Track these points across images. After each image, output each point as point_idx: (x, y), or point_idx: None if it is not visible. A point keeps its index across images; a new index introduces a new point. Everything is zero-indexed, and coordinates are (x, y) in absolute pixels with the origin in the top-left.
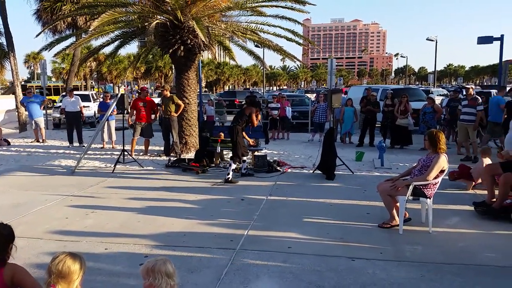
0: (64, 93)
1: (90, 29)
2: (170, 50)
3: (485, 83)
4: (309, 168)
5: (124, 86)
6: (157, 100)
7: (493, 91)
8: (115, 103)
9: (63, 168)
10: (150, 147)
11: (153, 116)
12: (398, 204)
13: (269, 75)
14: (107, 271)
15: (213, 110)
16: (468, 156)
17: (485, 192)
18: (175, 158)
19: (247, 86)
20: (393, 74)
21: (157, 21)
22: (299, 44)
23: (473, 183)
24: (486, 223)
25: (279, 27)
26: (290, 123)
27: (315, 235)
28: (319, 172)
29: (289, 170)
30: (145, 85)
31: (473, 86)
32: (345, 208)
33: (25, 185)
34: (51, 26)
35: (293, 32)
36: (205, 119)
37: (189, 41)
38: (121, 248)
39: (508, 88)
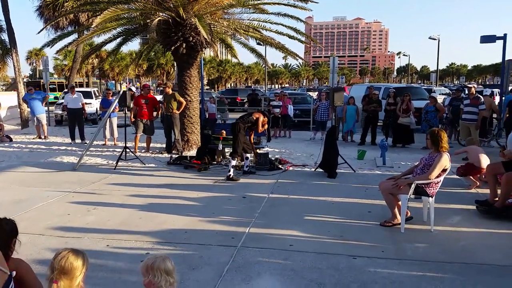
0: (66, 90)
1: (92, 26)
2: (172, 48)
3: (487, 82)
4: (310, 166)
5: (126, 83)
6: (159, 97)
7: (496, 90)
8: (117, 100)
9: (65, 165)
10: (152, 144)
11: (154, 114)
12: (399, 202)
13: (271, 73)
14: (108, 267)
15: (215, 107)
16: None
17: (488, 191)
18: (177, 156)
19: (249, 84)
20: (395, 73)
21: (159, 18)
22: (301, 42)
23: (477, 182)
24: (488, 222)
25: (282, 24)
26: (292, 121)
27: (317, 233)
28: (321, 170)
29: (290, 168)
30: (147, 82)
31: (475, 85)
32: (346, 206)
33: (27, 181)
34: (53, 23)
35: (295, 30)
36: (207, 116)
37: (191, 39)
38: (122, 244)
39: (510, 88)
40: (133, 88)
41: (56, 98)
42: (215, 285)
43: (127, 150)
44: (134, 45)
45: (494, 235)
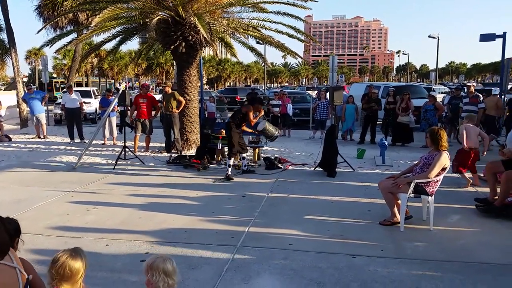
0: (64, 89)
1: (91, 25)
2: (172, 47)
3: (487, 81)
4: (310, 166)
5: (125, 82)
6: (158, 96)
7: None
8: (116, 99)
9: (64, 164)
10: (151, 144)
11: (153, 113)
12: (399, 201)
13: (270, 72)
14: (108, 267)
15: (214, 106)
16: None
17: (487, 190)
18: (176, 155)
19: (248, 83)
20: (394, 72)
21: (159, 17)
22: (301, 40)
23: (470, 181)
24: (487, 221)
25: (281, 23)
26: (291, 120)
27: (316, 232)
28: (320, 169)
29: (290, 167)
30: (146, 82)
31: (475, 84)
32: (346, 205)
33: (26, 181)
34: (52, 22)
35: (295, 28)
36: (206, 116)
37: (190, 38)
38: (122, 244)
39: (509, 87)
40: (120, 86)
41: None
42: (215, 285)
43: (127, 149)
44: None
45: (494, 234)
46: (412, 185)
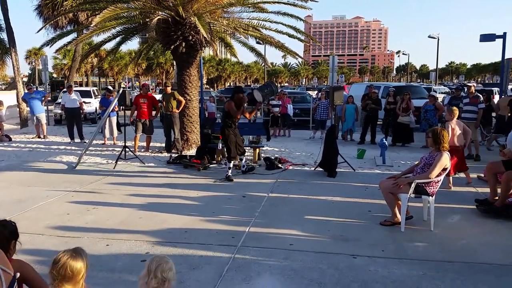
0: (64, 89)
1: (91, 25)
2: (172, 47)
3: (486, 81)
4: (310, 166)
5: (125, 82)
6: (158, 96)
7: (495, 89)
8: (116, 99)
9: (65, 164)
10: (151, 144)
11: (153, 113)
12: (400, 202)
13: (270, 72)
14: (108, 267)
15: (214, 106)
16: (469, 154)
17: (487, 190)
18: (177, 155)
19: (248, 83)
20: (394, 72)
21: (159, 17)
22: (301, 40)
23: (450, 186)
24: (488, 221)
25: (281, 23)
26: (292, 120)
27: (317, 232)
28: (321, 169)
29: (290, 168)
30: (147, 82)
31: (475, 84)
32: (346, 205)
33: (26, 181)
34: (52, 22)
35: (295, 28)
36: (206, 116)
37: (190, 38)
38: (122, 244)
39: (510, 87)
40: (110, 87)
41: None
42: (215, 285)
43: (127, 149)
44: (133, 44)
45: (494, 234)
46: (413, 185)
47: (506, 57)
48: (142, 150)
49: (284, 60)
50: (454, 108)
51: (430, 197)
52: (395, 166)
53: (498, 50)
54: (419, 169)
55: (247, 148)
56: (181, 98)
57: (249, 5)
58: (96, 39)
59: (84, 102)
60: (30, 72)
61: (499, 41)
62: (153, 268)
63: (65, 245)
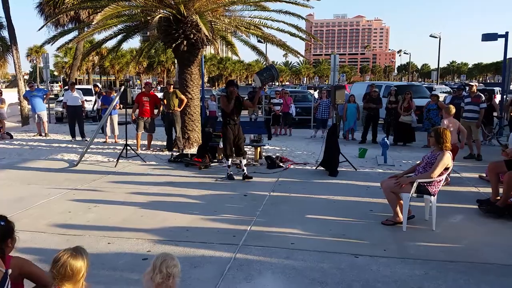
0: (66, 87)
1: (93, 23)
2: (173, 45)
3: (488, 81)
4: (311, 165)
5: (133, 80)
6: (159, 95)
7: (497, 89)
8: (118, 97)
9: (66, 162)
10: (152, 142)
11: (156, 111)
12: (401, 201)
13: None
14: (110, 265)
15: (215, 105)
16: (471, 154)
17: (489, 190)
18: (178, 153)
19: (249, 82)
20: (396, 71)
21: (160, 15)
22: (302, 39)
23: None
24: (490, 221)
25: (283, 22)
26: (293, 119)
27: (318, 231)
28: (322, 168)
29: (291, 167)
30: (148, 80)
31: (477, 84)
32: (348, 204)
33: (27, 178)
34: (53, 20)
35: (296, 27)
36: (207, 114)
37: (192, 36)
38: (123, 242)
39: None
40: (99, 85)
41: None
42: (217, 284)
43: (128, 147)
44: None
45: (496, 234)
46: (415, 184)
47: (508, 57)
48: (143, 148)
49: (285, 58)
50: (451, 106)
51: (432, 196)
52: (396, 166)
53: (500, 49)
54: (421, 168)
55: (248, 147)
56: (183, 96)
57: (251, 4)
58: (98, 37)
59: (85, 100)
60: (31, 70)
61: (501, 41)
62: (158, 264)
63: (67, 243)
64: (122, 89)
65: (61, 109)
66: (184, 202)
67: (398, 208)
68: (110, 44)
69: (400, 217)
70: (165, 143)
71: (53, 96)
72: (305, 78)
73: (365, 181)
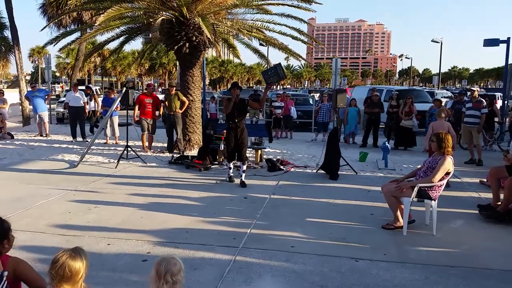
0: (68, 88)
1: (95, 24)
2: (175, 47)
3: (489, 86)
4: (312, 168)
5: (137, 80)
6: (161, 97)
7: (498, 94)
8: (119, 99)
9: (67, 163)
10: (153, 144)
11: (157, 113)
12: (402, 205)
13: None
14: (109, 266)
15: (216, 108)
16: (472, 159)
17: (490, 195)
18: (178, 155)
19: (251, 85)
20: (397, 75)
21: (163, 17)
22: (304, 42)
23: None
24: (490, 226)
25: (285, 25)
26: (294, 122)
27: (318, 235)
28: (323, 172)
29: (292, 170)
30: (150, 82)
31: (478, 89)
32: (348, 208)
33: (28, 179)
34: (56, 21)
35: (298, 30)
36: (208, 116)
37: (194, 38)
38: (123, 243)
39: None
40: (92, 86)
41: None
42: (217, 286)
43: (129, 148)
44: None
45: (497, 239)
46: (416, 189)
47: (509, 62)
48: (139, 150)
49: (287, 62)
50: (442, 109)
51: (433, 201)
52: (397, 170)
53: (502, 55)
54: (422, 172)
55: (249, 149)
56: (184, 98)
57: (253, 7)
58: (100, 38)
59: (86, 101)
60: (33, 70)
61: (503, 46)
62: (163, 273)
63: (67, 243)
64: (123, 91)
65: (62, 110)
66: (184, 204)
67: (398, 213)
68: (112, 45)
69: (400, 222)
70: (165, 145)
71: (54, 97)
72: (307, 82)
73: (366, 185)
